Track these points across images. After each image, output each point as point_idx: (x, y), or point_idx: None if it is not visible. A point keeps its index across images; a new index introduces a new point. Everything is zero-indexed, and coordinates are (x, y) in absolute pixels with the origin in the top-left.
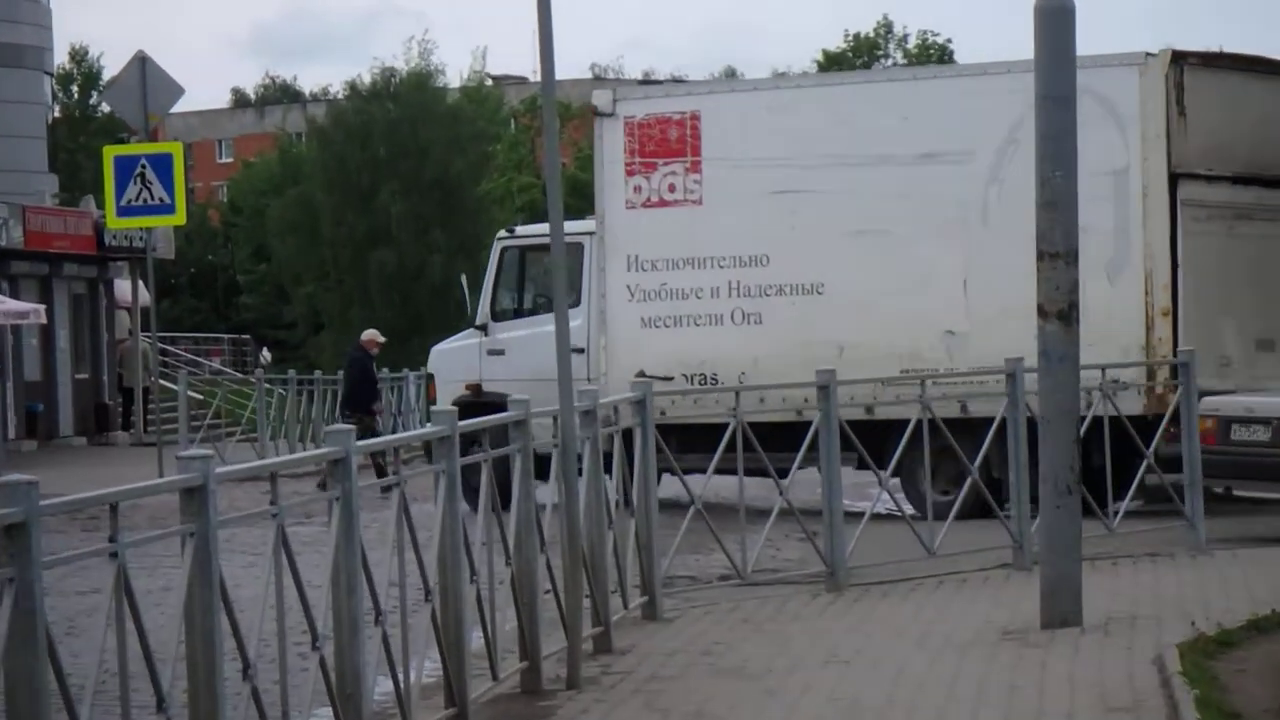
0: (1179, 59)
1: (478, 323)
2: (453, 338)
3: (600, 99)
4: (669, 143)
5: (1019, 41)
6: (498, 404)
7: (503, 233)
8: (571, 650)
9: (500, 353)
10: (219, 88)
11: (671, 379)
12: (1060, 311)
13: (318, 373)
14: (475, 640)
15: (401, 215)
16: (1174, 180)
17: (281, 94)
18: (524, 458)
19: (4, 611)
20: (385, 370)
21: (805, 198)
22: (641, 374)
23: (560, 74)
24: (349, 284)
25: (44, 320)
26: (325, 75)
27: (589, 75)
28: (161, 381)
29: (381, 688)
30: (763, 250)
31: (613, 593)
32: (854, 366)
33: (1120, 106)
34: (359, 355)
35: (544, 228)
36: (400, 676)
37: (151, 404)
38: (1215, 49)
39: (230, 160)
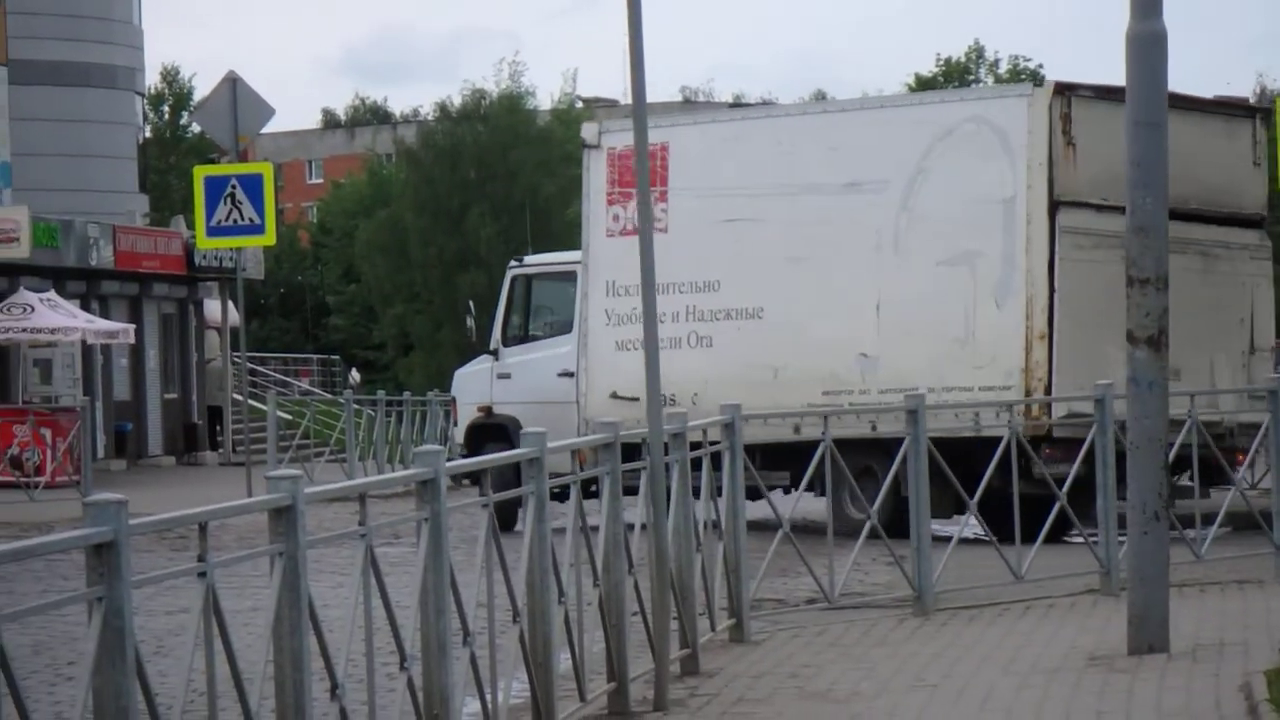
0: (1065, 90)
1: (490, 348)
2: (471, 362)
3: (587, 132)
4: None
5: (1112, 67)
6: (506, 426)
7: (513, 261)
8: (659, 672)
9: (508, 376)
10: (309, 109)
11: (638, 400)
12: (1150, 338)
13: (407, 394)
14: (563, 661)
15: (491, 237)
16: (1056, 208)
17: (371, 115)
18: (613, 480)
19: (93, 630)
20: None
21: (751, 226)
22: (615, 395)
23: (651, 97)
24: (438, 305)
25: (133, 340)
26: (415, 97)
27: (679, 98)
28: (250, 401)
29: (469, 708)
30: (715, 276)
31: (700, 615)
32: (787, 389)
33: (1011, 137)
34: None
35: (551, 257)
36: (488, 697)
37: (239, 423)
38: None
39: (320, 181)
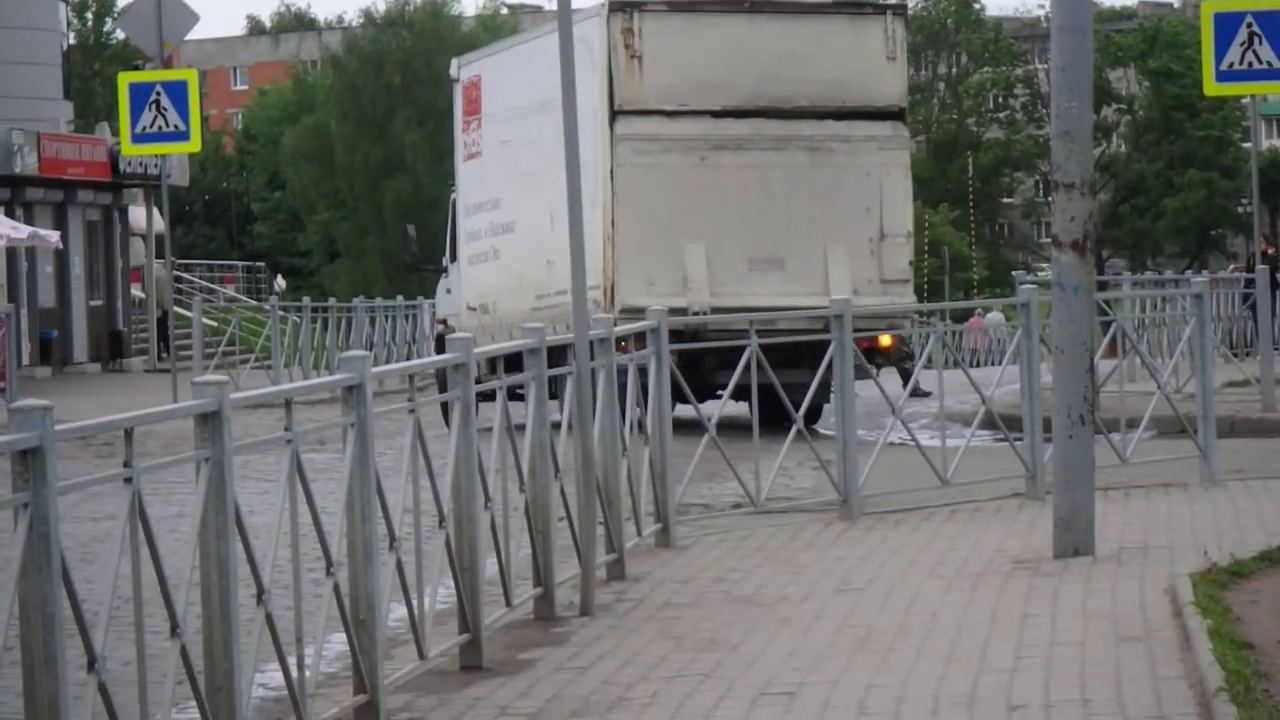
0: (627, 7)
1: (445, 264)
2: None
3: (452, 67)
4: (473, 103)
5: None
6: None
7: (452, 182)
8: (585, 577)
9: (449, 291)
10: (234, 15)
11: (475, 309)
12: (1075, 242)
13: (332, 300)
14: (489, 567)
15: (416, 144)
16: (616, 117)
17: (297, 21)
18: (539, 385)
19: (19, 537)
20: (400, 298)
21: (513, 146)
22: (469, 306)
23: (576, 2)
24: (364, 212)
25: (61, 245)
26: (340, 3)
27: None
28: (176, 309)
29: (395, 614)
30: (498, 194)
31: (626, 520)
32: (524, 295)
33: (594, 52)
34: None
35: None
36: (414, 602)
37: (156, 328)
38: None
39: (245, 88)
